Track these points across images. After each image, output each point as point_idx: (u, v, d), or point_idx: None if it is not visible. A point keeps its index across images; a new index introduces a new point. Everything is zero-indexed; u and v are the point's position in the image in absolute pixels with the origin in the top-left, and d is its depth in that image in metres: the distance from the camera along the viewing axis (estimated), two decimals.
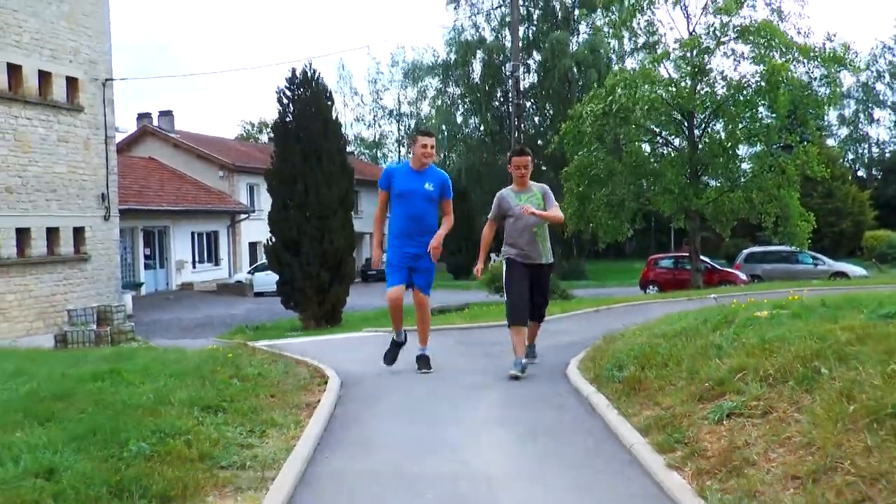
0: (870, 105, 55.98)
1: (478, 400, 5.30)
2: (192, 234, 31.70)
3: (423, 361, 6.49)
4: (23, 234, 18.76)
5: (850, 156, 57.61)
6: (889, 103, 55.38)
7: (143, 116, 36.35)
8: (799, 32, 20.73)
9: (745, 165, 23.10)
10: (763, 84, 19.81)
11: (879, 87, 55.34)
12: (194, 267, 31.82)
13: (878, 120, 56.68)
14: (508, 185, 6.69)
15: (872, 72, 54.49)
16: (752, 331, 4.79)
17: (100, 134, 21.26)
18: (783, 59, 19.95)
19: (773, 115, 20.71)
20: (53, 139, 19.63)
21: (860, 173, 56.79)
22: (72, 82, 20.31)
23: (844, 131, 57.07)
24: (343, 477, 3.69)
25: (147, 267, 29.52)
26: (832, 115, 56.54)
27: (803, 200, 38.20)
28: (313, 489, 3.53)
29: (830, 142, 54.92)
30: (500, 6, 41.06)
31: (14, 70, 18.54)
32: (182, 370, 5.56)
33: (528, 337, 6.53)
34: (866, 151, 58.34)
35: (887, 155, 56.10)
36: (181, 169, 33.79)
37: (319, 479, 3.65)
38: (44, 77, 19.41)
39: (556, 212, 6.45)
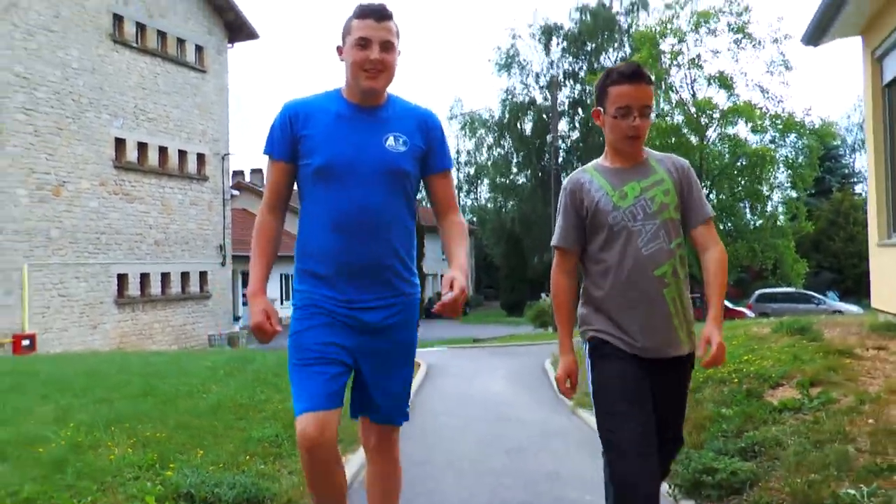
0: None
1: (496, 365, 10.18)
2: (281, 275, 37.22)
3: None
4: (165, 278, 24.29)
5: None
6: None
7: (237, 174, 42.27)
8: (783, 109, 25.15)
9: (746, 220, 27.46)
10: (754, 159, 24.32)
11: None
12: (282, 303, 37.26)
13: None
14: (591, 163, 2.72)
15: None
16: None
17: (219, 197, 26.85)
18: (772, 133, 24.54)
19: (766, 185, 25.27)
20: (187, 203, 25.24)
21: None
22: (200, 157, 25.95)
23: None
24: (434, 396, 8.60)
25: (244, 304, 35.03)
26: (864, 160, 59.61)
27: (825, 244, 42.34)
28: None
29: (860, 188, 58.01)
30: (549, 72, 45.47)
31: (162, 150, 24.24)
32: None
33: None
34: None
35: None
36: None
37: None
38: (181, 155, 25.06)
39: (714, 245, 2.59)
